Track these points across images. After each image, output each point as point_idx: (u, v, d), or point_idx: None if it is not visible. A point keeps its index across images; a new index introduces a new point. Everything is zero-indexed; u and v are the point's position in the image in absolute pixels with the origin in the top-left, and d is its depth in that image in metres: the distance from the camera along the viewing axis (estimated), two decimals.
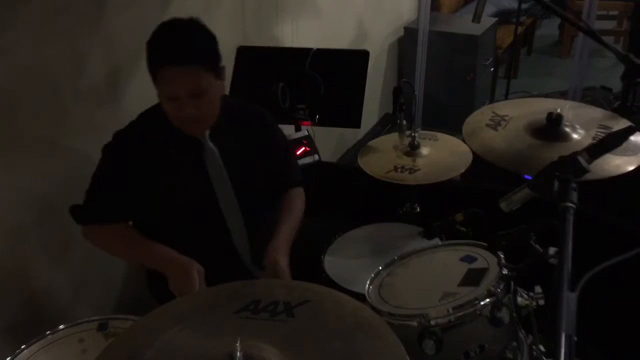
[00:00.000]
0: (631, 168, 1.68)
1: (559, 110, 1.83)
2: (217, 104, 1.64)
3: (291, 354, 0.99)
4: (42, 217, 1.89)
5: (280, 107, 2.21)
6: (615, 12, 5.23)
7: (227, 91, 2.34)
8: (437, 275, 1.46)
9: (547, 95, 4.18)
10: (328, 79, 2.29)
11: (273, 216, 1.80)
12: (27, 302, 1.88)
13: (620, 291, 1.87)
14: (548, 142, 1.81)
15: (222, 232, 1.75)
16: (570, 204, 1.08)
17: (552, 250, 1.27)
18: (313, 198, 1.99)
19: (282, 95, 2.20)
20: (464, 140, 1.97)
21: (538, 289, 1.36)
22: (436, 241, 1.81)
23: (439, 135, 2.20)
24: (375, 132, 4.02)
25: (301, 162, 2.34)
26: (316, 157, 2.37)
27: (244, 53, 2.42)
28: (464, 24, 4.10)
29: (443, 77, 4.09)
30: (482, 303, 1.28)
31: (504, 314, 1.30)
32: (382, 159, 2.10)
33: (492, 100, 4.27)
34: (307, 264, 1.84)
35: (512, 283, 1.35)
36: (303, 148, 2.37)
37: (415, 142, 2.10)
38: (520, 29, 4.40)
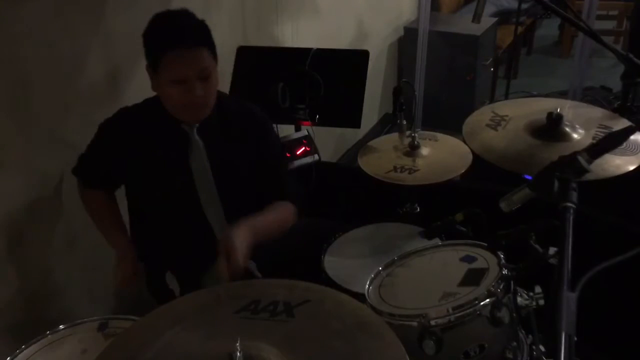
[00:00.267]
0: (631, 168, 1.68)
1: (559, 110, 1.83)
2: (216, 91, 1.65)
3: (291, 354, 0.99)
4: (41, 217, 1.89)
5: (280, 107, 2.21)
6: (615, 12, 5.23)
7: (227, 91, 2.35)
8: (437, 275, 1.46)
9: (547, 95, 4.18)
10: (328, 79, 2.29)
11: None
12: (27, 302, 1.88)
13: (620, 291, 1.87)
14: (548, 142, 1.81)
15: (202, 225, 1.74)
16: (570, 204, 1.08)
17: (552, 250, 1.27)
18: (313, 198, 1.99)
19: (282, 95, 2.21)
20: (464, 141, 1.97)
21: (538, 289, 1.36)
22: (436, 241, 1.81)
23: (439, 135, 2.21)
24: (375, 132, 4.02)
25: (301, 162, 2.34)
26: (316, 157, 2.37)
27: (244, 53, 2.42)
28: (464, 24, 4.10)
29: (443, 77, 4.09)
30: (482, 303, 1.28)
31: (504, 314, 1.30)
32: (382, 159, 2.10)
33: (492, 100, 4.27)
34: (307, 264, 1.84)
35: (512, 283, 1.35)
36: (303, 148, 2.37)
37: (415, 143, 2.10)
38: (520, 29, 4.39)
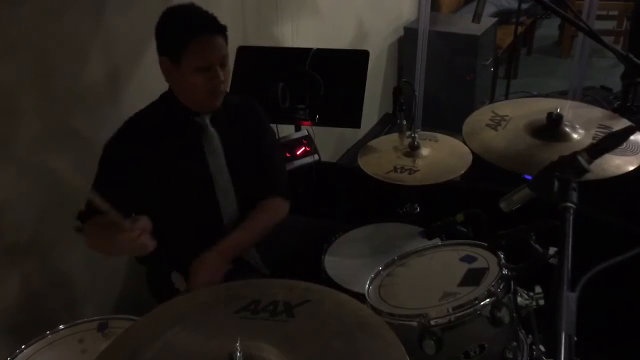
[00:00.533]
0: (631, 168, 1.68)
1: (559, 110, 1.83)
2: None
3: (291, 354, 0.99)
4: (41, 217, 1.89)
5: (280, 107, 2.21)
6: (615, 12, 5.23)
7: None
8: (437, 275, 1.46)
9: (547, 95, 4.18)
10: (328, 79, 2.29)
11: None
12: (27, 302, 1.88)
13: (620, 291, 1.87)
14: (548, 142, 1.81)
15: (215, 218, 1.78)
16: (570, 204, 1.08)
17: (552, 250, 1.27)
18: (313, 198, 1.99)
19: (282, 95, 2.21)
20: (464, 141, 1.97)
21: (538, 289, 1.36)
22: (436, 241, 1.81)
23: (439, 136, 2.20)
24: (375, 132, 4.02)
25: (301, 162, 2.34)
26: (316, 157, 2.37)
27: (244, 53, 2.42)
28: (464, 24, 4.10)
29: (443, 77, 4.09)
30: (482, 303, 1.28)
31: (504, 314, 1.30)
32: (382, 159, 2.10)
33: (492, 100, 4.27)
34: (307, 264, 1.84)
35: (512, 283, 1.35)
36: (303, 148, 2.37)
37: (415, 143, 2.10)
38: (520, 29, 4.39)
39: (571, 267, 0.96)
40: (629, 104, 2.17)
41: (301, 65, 2.32)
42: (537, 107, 1.97)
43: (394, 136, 2.21)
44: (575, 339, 0.87)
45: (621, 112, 2.10)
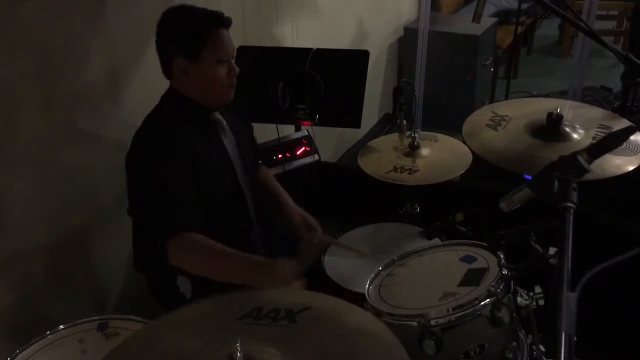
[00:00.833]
0: (631, 168, 1.68)
1: (559, 110, 1.83)
2: None
3: (292, 356, 0.99)
4: (41, 217, 1.89)
5: (280, 107, 2.20)
6: (615, 12, 5.23)
7: None
8: (437, 275, 1.46)
9: (547, 95, 4.18)
10: (328, 79, 2.29)
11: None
12: (27, 302, 1.88)
13: (620, 291, 1.87)
14: (548, 142, 1.81)
15: (245, 211, 1.83)
16: (570, 204, 1.08)
17: (552, 250, 1.28)
18: (313, 198, 1.99)
19: (282, 95, 2.20)
20: (464, 141, 1.97)
21: (538, 289, 1.36)
22: (436, 241, 1.81)
23: (439, 136, 2.21)
24: (375, 132, 4.02)
25: (301, 162, 2.34)
26: (316, 157, 2.37)
27: (244, 53, 2.41)
28: (464, 24, 4.10)
29: (443, 77, 4.09)
30: (482, 303, 1.28)
31: (504, 314, 1.30)
32: (382, 159, 2.10)
33: (492, 100, 4.27)
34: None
35: (512, 283, 1.35)
36: (303, 148, 2.37)
37: (415, 143, 2.10)
38: (520, 29, 4.39)
39: (571, 267, 0.96)
40: (629, 104, 2.18)
41: (301, 65, 2.32)
42: (537, 107, 1.97)
43: (394, 136, 2.21)
44: (575, 339, 0.87)
45: (621, 112, 2.10)
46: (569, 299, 0.90)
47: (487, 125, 1.94)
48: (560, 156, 1.22)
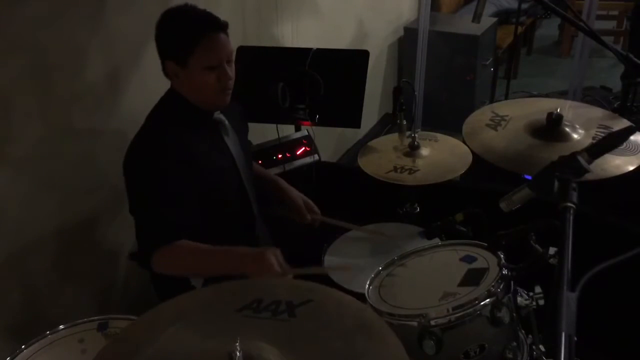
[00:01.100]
0: (631, 168, 1.68)
1: (559, 110, 1.83)
2: None
3: (291, 354, 0.99)
4: (41, 217, 1.89)
5: (280, 107, 2.20)
6: (615, 12, 5.23)
7: None
8: (437, 275, 1.46)
9: (547, 95, 4.18)
10: (328, 79, 2.29)
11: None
12: (27, 302, 1.88)
13: (620, 291, 1.87)
14: (548, 142, 1.81)
15: (248, 209, 1.84)
16: (570, 204, 1.08)
17: (552, 250, 1.27)
18: (313, 198, 1.99)
19: (282, 95, 2.20)
20: (464, 141, 1.97)
21: (538, 289, 1.36)
22: (436, 241, 1.81)
23: (439, 136, 2.21)
24: (375, 132, 4.02)
25: (301, 162, 2.34)
26: (316, 157, 2.37)
27: (244, 53, 2.42)
28: (464, 24, 4.10)
29: (443, 77, 4.09)
30: (482, 303, 1.28)
31: (504, 314, 1.30)
32: (382, 159, 2.10)
33: (492, 100, 4.27)
34: (307, 264, 1.84)
35: (512, 283, 1.35)
36: (303, 148, 2.37)
37: (415, 143, 2.10)
38: (520, 29, 4.40)
39: (571, 267, 0.96)
40: (629, 104, 2.18)
41: (301, 65, 2.32)
42: (537, 107, 1.97)
43: (394, 136, 2.21)
44: (575, 339, 0.87)
45: (621, 112, 2.10)
46: (569, 299, 0.90)
47: (487, 125, 1.94)
48: (560, 156, 1.22)
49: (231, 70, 1.65)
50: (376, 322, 1.08)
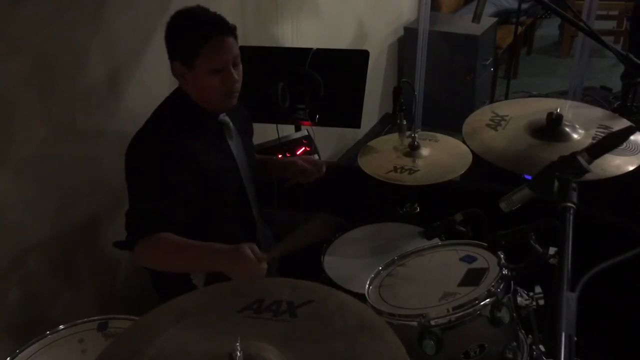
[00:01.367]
0: (631, 168, 1.68)
1: (559, 110, 1.83)
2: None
3: (292, 354, 0.99)
4: (42, 217, 1.89)
5: (280, 107, 2.20)
6: (615, 12, 5.23)
7: None
8: (437, 275, 1.46)
9: (547, 95, 4.18)
10: (328, 79, 2.29)
11: None
12: (27, 302, 1.88)
13: (620, 291, 1.87)
14: (548, 142, 1.81)
15: (248, 212, 1.84)
16: (570, 204, 1.08)
17: (552, 250, 1.27)
18: (313, 198, 1.99)
19: (282, 95, 2.20)
20: (464, 141, 1.97)
21: (538, 289, 1.36)
22: (436, 241, 1.81)
23: (439, 136, 2.20)
24: (375, 132, 4.02)
25: None
26: (316, 157, 2.37)
27: (244, 53, 2.40)
28: (464, 24, 4.10)
29: (443, 77, 4.09)
30: (482, 303, 1.28)
31: (504, 314, 1.30)
32: (382, 159, 2.10)
33: (492, 100, 4.27)
34: (307, 264, 1.84)
35: (512, 283, 1.35)
36: (303, 148, 2.37)
37: (415, 143, 2.10)
38: (520, 29, 4.39)
39: (571, 267, 0.96)
40: (629, 104, 2.18)
41: (301, 65, 2.32)
42: (537, 107, 1.97)
43: (394, 136, 2.21)
44: (575, 339, 0.87)
45: (621, 112, 2.10)
46: (569, 299, 0.90)
47: (487, 125, 1.94)
48: (560, 156, 1.22)
49: (237, 73, 1.65)
50: (377, 322, 1.08)
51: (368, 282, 1.48)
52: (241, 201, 1.82)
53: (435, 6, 4.35)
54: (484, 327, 1.30)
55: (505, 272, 1.34)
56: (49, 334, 1.47)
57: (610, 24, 5.33)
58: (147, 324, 1.13)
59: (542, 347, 1.36)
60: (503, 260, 1.38)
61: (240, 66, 1.68)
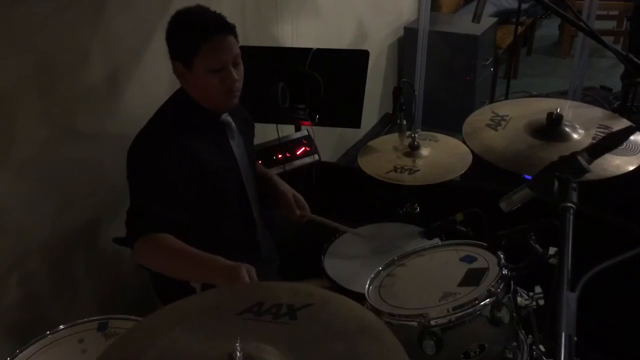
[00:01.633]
0: (631, 168, 1.68)
1: (558, 110, 1.83)
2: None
3: (292, 356, 0.99)
4: (42, 217, 1.89)
5: (280, 107, 2.20)
6: (615, 12, 5.23)
7: None
8: (437, 275, 1.46)
9: (547, 95, 4.18)
10: (328, 79, 2.29)
11: None
12: (27, 302, 1.88)
13: (620, 291, 1.87)
14: (548, 142, 1.81)
15: (248, 213, 1.84)
16: (570, 204, 1.08)
17: (552, 250, 1.27)
18: (313, 198, 1.99)
19: (282, 95, 2.20)
20: (464, 141, 1.97)
21: (538, 289, 1.36)
22: (436, 241, 1.81)
23: (439, 136, 2.20)
24: (375, 132, 4.02)
25: (301, 162, 2.34)
26: (316, 157, 2.37)
27: (244, 53, 2.40)
28: (464, 24, 4.10)
29: (443, 77, 4.09)
30: (482, 303, 1.28)
31: (504, 314, 1.30)
32: (382, 159, 2.10)
33: (492, 100, 4.27)
34: (307, 264, 1.85)
35: (512, 283, 1.35)
36: (303, 148, 2.37)
37: (415, 143, 2.10)
38: (520, 29, 4.39)
39: (571, 267, 0.96)
40: (629, 104, 2.18)
41: (301, 65, 2.32)
42: (537, 107, 1.97)
43: (394, 136, 2.21)
44: (575, 339, 0.87)
45: (621, 112, 2.10)
46: (569, 299, 0.90)
47: (487, 125, 1.94)
48: (560, 156, 1.22)
49: (237, 73, 1.65)
50: (376, 324, 1.08)
51: (368, 282, 1.48)
52: (241, 202, 1.82)
53: (435, 6, 4.35)
54: (484, 327, 1.30)
55: (505, 272, 1.34)
56: (49, 334, 1.47)
57: (610, 24, 5.33)
58: (148, 326, 1.13)
59: (542, 347, 1.36)
60: (503, 260, 1.38)
61: (241, 65, 1.67)
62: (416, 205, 2.23)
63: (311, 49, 2.37)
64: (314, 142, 2.40)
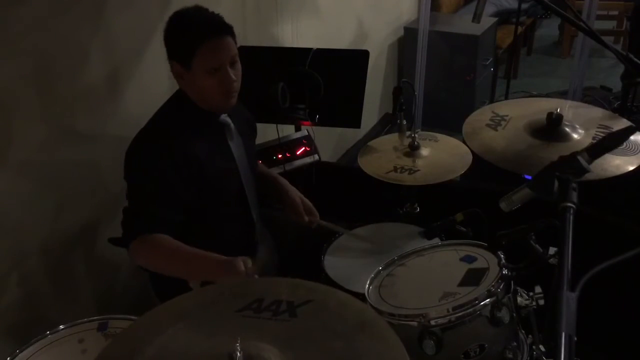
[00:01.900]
0: (631, 168, 1.68)
1: (558, 110, 1.83)
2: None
3: (292, 354, 0.99)
4: (42, 217, 1.89)
5: (280, 107, 2.20)
6: (615, 12, 5.23)
7: None
8: (437, 275, 1.46)
9: (547, 95, 4.18)
10: (328, 79, 2.29)
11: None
12: (27, 302, 1.88)
13: (620, 291, 1.87)
14: (548, 142, 1.81)
15: (247, 214, 1.84)
16: (570, 204, 1.08)
17: (552, 250, 1.27)
18: (313, 198, 1.99)
19: (282, 95, 2.20)
20: (464, 141, 1.97)
21: (538, 289, 1.36)
22: (436, 241, 1.81)
23: (439, 136, 2.20)
24: (375, 132, 4.02)
25: (301, 162, 2.34)
26: (316, 157, 2.37)
27: (244, 53, 2.40)
28: (464, 24, 4.10)
29: (443, 77, 4.09)
30: (482, 303, 1.28)
31: (504, 314, 1.30)
32: (382, 159, 2.10)
33: (492, 100, 4.27)
34: (307, 264, 1.85)
35: (512, 283, 1.35)
36: (303, 148, 2.37)
37: (415, 143, 2.10)
38: (520, 29, 4.39)
39: (571, 267, 0.96)
40: (629, 104, 2.18)
41: (301, 65, 2.32)
42: (537, 107, 1.97)
43: (394, 136, 2.21)
44: (575, 339, 0.87)
45: (621, 112, 2.10)
46: (569, 299, 0.90)
47: (487, 125, 1.94)
48: (560, 156, 1.22)
49: (235, 73, 1.64)
50: (377, 321, 1.08)
51: (368, 282, 1.48)
52: (240, 202, 1.82)
53: (435, 6, 4.35)
54: (484, 327, 1.30)
55: (505, 272, 1.34)
56: (49, 334, 1.47)
57: (610, 24, 5.33)
58: (147, 323, 1.13)
59: (542, 347, 1.36)
60: (503, 260, 1.38)
61: (239, 65, 1.67)
62: (416, 205, 2.23)
63: (311, 49, 2.37)
64: (314, 142, 2.40)
